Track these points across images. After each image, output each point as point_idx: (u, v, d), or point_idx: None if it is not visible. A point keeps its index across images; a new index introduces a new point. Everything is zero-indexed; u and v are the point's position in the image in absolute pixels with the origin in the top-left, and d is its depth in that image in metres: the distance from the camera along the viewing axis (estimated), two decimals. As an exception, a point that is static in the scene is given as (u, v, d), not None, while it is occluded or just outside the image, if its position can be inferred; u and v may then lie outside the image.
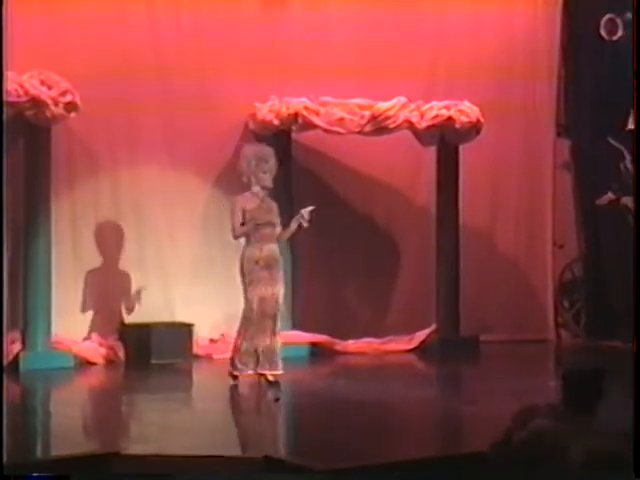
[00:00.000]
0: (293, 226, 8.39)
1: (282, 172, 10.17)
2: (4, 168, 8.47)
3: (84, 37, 9.57)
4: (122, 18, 9.80)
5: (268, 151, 8.54)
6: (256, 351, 8.30)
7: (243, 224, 8.31)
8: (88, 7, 9.64)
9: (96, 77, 9.44)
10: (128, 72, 9.74)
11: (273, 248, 8.34)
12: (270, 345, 8.30)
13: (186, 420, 7.42)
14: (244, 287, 8.38)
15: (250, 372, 8.34)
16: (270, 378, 8.34)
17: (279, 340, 8.37)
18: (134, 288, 9.90)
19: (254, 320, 8.28)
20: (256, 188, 8.37)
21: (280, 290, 8.35)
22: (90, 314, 9.77)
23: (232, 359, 8.41)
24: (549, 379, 9.52)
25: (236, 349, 8.38)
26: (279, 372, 8.36)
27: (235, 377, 8.39)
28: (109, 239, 9.85)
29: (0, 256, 8.66)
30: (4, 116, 8.60)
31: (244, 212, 8.33)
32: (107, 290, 9.86)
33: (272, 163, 8.44)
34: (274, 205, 8.44)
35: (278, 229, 8.44)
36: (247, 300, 8.33)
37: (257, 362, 8.32)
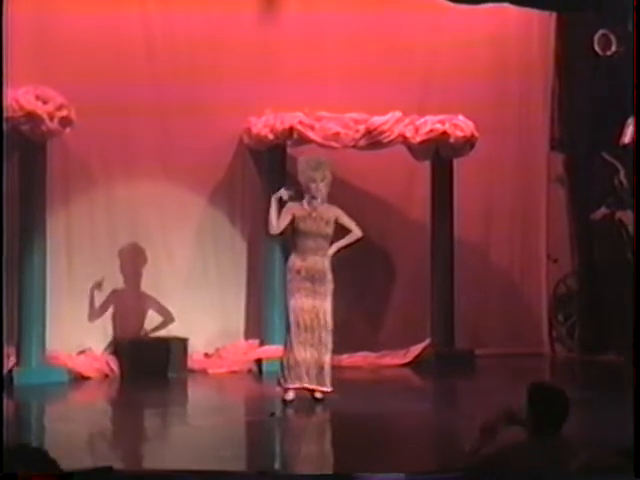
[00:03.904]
0: (343, 241, 8.27)
1: (277, 187, 10.22)
2: (4, 179, 8.40)
3: (79, 52, 9.58)
4: (118, 35, 9.81)
5: (318, 160, 8.36)
6: (299, 364, 8.07)
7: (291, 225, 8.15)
8: (84, 23, 9.66)
9: (91, 92, 9.44)
10: (123, 87, 9.76)
11: (318, 260, 8.13)
12: (314, 360, 8.06)
13: (180, 435, 7.40)
14: (285, 297, 8.29)
15: (295, 386, 8.09)
16: (317, 395, 8.09)
17: (325, 355, 8.10)
18: (129, 302, 9.90)
19: (294, 332, 8.08)
20: (307, 197, 8.20)
21: (323, 304, 8.10)
22: (85, 328, 9.76)
23: (280, 372, 8.19)
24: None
25: (281, 362, 8.20)
26: (325, 389, 8.10)
27: (285, 391, 8.11)
28: (104, 254, 9.84)
29: (0, 267, 8.61)
30: (4, 126, 8.58)
31: (293, 217, 8.16)
32: (102, 304, 9.85)
33: (321, 172, 8.19)
34: (329, 216, 8.20)
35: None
36: (287, 311, 8.20)
37: (305, 376, 8.07)
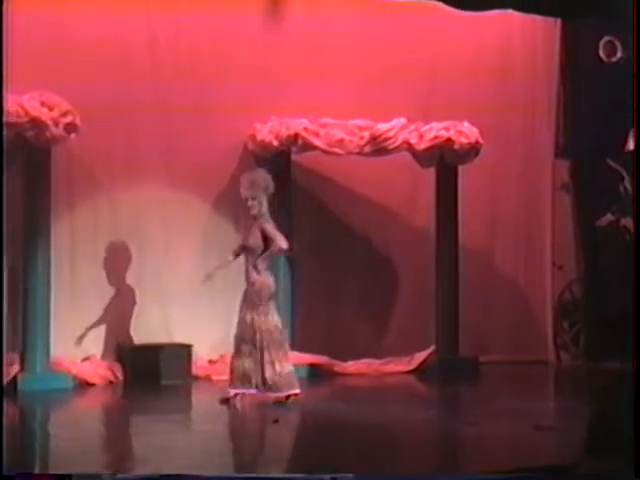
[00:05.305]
0: (266, 253, 8.44)
1: (281, 193, 10.22)
2: (4, 183, 8.40)
3: (84, 58, 9.59)
4: (122, 40, 9.82)
5: (250, 179, 8.60)
6: (244, 372, 8.41)
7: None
8: (88, 28, 9.68)
9: (96, 97, 9.45)
10: (128, 92, 9.77)
11: (249, 273, 8.45)
12: (252, 368, 8.39)
13: (184, 441, 7.39)
14: None
15: (237, 390, 8.43)
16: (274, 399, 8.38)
17: (269, 364, 8.37)
18: (133, 309, 9.90)
19: (235, 342, 8.46)
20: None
21: (255, 315, 8.38)
22: (89, 335, 9.76)
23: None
24: (548, 400, 9.53)
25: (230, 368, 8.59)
26: (277, 395, 8.36)
27: (229, 397, 8.48)
28: (108, 260, 9.85)
29: (0, 271, 8.64)
30: (4, 131, 8.58)
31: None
32: (106, 311, 9.85)
33: (252, 191, 8.48)
34: (257, 230, 8.45)
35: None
36: None
37: (248, 383, 8.41)
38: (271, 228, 8.47)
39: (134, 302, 9.92)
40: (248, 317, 8.42)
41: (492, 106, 11.13)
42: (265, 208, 8.47)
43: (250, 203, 8.47)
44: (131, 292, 9.93)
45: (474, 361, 10.60)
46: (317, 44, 10.58)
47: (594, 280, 11.56)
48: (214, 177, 10.19)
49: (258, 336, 8.39)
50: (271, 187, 8.56)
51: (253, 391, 8.44)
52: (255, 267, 8.42)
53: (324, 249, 10.60)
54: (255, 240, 8.46)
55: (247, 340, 8.40)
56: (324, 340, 10.45)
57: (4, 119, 8.60)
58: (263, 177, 8.61)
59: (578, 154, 11.70)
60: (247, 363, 8.40)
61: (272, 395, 8.42)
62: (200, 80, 10.06)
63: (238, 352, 8.43)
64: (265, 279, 8.44)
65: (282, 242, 8.45)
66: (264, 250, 8.43)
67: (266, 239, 8.43)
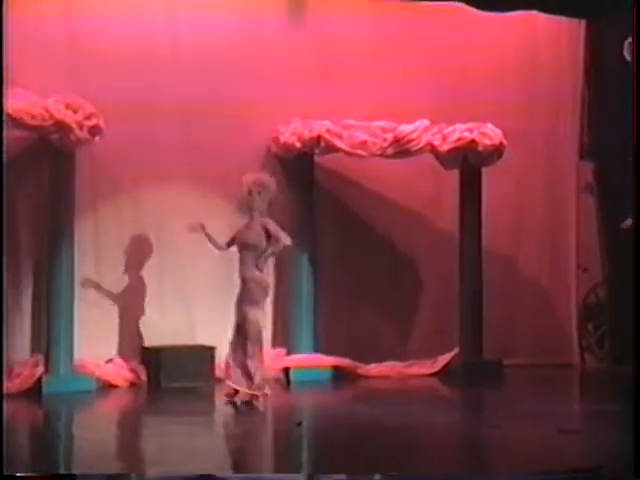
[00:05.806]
0: (269, 250, 8.53)
1: (304, 195, 10.23)
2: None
3: (107, 61, 9.61)
4: (145, 44, 9.85)
5: (259, 176, 8.75)
6: (233, 366, 8.51)
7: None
8: (112, 31, 9.71)
9: (119, 99, 9.47)
10: (151, 94, 9.79)
11: (243, 270, 8.52)
12: (243, 363, 8.48)
13: (208, 443, 7.40)
14: None
15: (232, 386, 8.50)
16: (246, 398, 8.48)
17: (249, 360, 8.47)
18: (156, 310, 9.92)
19: (232, 335, 8.55)
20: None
21: (246, 313, 8.47)
22: (112, 337, 9.79)
23: None
24: (573, 403, 9.49)
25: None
26: (251, 393, 8.45)
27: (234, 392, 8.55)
28: (131, 262, 9.88)
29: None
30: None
31: (237, 231, 8.70)
32: (129, 313, 9.88)
33: (262, 187, 8.59)
34: (260, 229, 8.50)
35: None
36: None
37: (249, 380, 8.47)
38: (273, 225, 8.52)
39: (157, 303, 9.94)
40: (247, 313, 8.46)
41: (516, 107, 11.09)
42: (266, 206, 8.56)
43: (257, 197, 8.54)
44: (155, 294, 9.95)
45: (498, 364, 10.56)
46: (339, 46, 10.58)
47: (619, 282, 11.50)
48: (237, 180, 10.18)
49: (254, 333, 8.45)
50: (273, 190, 8.67)
51: (246, 389, 8.47)
52: (257, 264, 8.47)
53: (347, 251, 10.59)
54: (257, 237, 8.50)
55: (245, 336, 8.46)
56: (347, 342, 10.43)
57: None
58: (269, 179, 8.74)
59: (603, 155, 11.64)
60: (246, 359, 8.46)
61: (257, 393, 8.46)
62: (223, 82, 10.07)
63: (239, 348, 8.46)
64: (266, 276, 8.56)
65: (286, 239, 8.51)
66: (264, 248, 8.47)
67: (267, 237, 8.46)
